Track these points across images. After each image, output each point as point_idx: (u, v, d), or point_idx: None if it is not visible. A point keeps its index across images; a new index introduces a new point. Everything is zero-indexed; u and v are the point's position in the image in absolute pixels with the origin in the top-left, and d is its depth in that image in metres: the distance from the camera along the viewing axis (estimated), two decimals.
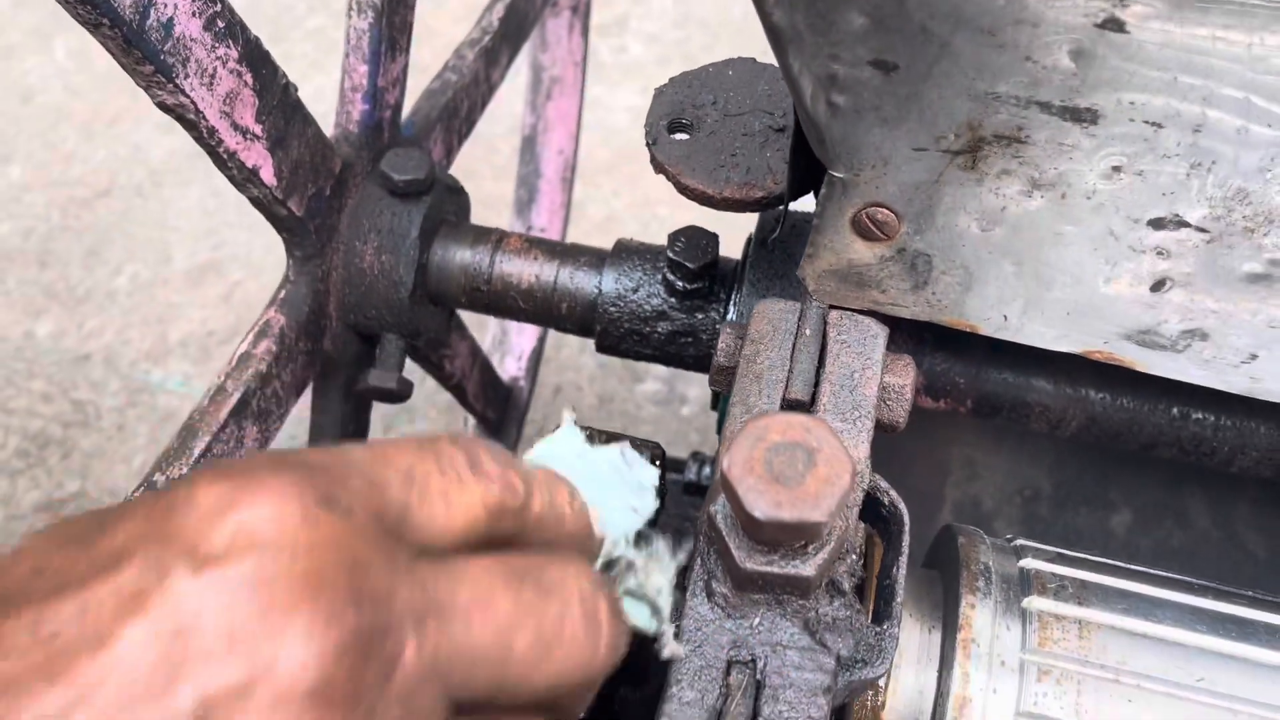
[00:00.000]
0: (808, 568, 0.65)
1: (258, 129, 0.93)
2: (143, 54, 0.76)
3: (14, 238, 2.58)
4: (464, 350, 1.62)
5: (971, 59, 0.63)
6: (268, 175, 0.96)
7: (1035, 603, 0.84)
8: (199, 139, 0.89)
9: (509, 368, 1.94)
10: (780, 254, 1.08)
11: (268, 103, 0.94)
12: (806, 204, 1.14)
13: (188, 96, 0.82)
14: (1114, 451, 1.40)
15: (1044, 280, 0.76)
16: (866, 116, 0.68)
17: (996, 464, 1.39)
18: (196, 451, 0.95)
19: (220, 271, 2.55)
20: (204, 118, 0.86)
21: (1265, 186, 0.66)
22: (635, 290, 1.12)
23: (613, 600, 0.54)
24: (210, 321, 2.46)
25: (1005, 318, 0.79)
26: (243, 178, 0.94)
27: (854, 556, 0.71)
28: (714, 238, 1.08)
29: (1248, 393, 0.82)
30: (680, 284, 1.09)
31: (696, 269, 1.07)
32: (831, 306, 0.82)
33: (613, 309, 1.13)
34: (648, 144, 0.95)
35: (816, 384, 0.78)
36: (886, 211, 0.74)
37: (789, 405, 0.77)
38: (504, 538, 0.51)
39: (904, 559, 0.72)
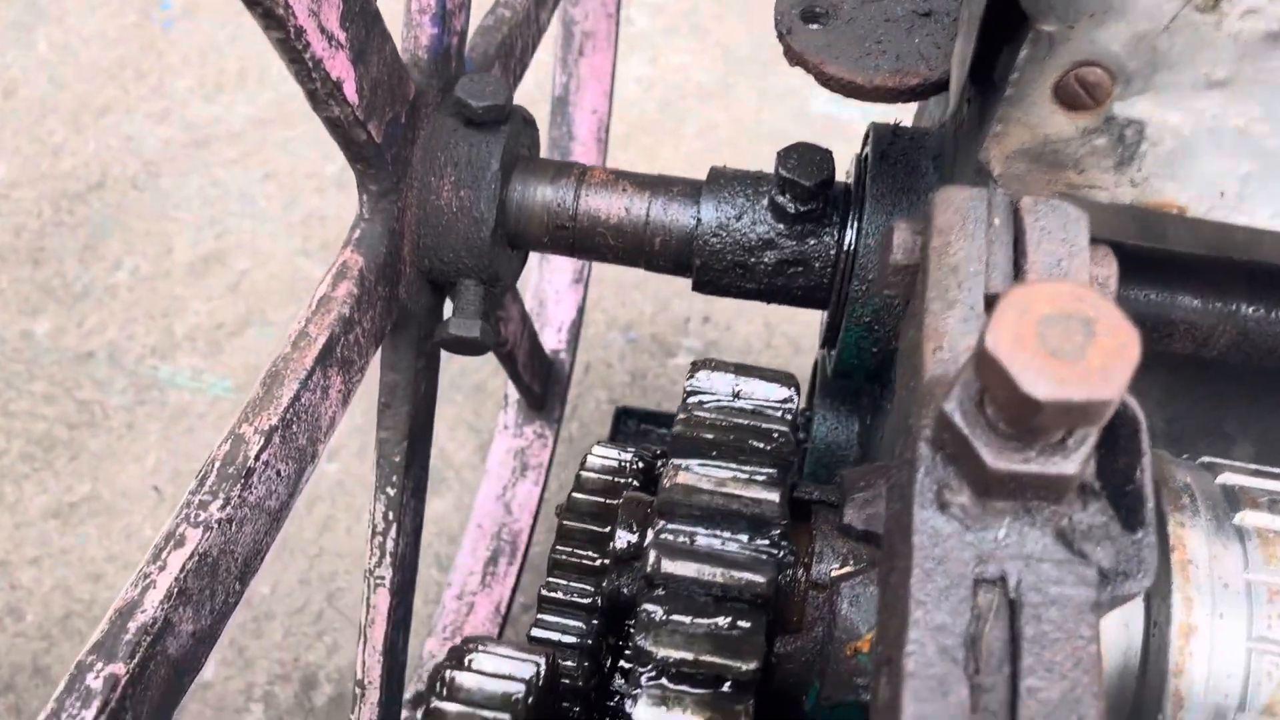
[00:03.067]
0: (1070, 464, 0.56)
1: (342, 35, 0.83)
2: None
3: (4, 235, 2.45)
4: (516, 314, 1.53)
5: None
6: (350, 92, 0.86)
7: (1250, 518, 0.76)
8: (282, 43, 0.79)
9: (549, 340, 1.84)
10: (902, 167, 0.99)
11: (350, 7, 0.84)
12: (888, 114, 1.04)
13: None
14: (1222, 380, 1.32)
15: (1277, 145, 0.67)
16: None
17: None
18: (285, 399, 0.85)
19: (225, 261, 2.43)
20: (293, 15, 0.76)
21: None
22: (738, 218, 1.03)
23: None
24: (218, 313, 2.35)
25: (1221, 194, 0.71)
26: (325, 93, 0.84)
27: (1091, 458, 0.62)
28: (828, 153, 0.99)
29: None
30: (792, 206, 1.00)
31: (812, 186, 0.97)
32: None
33: (714, 240, 1.04)
34: (780, 33, 0.86)
35: (1016, 277, 0.69)
36: (1099, 71, 0.65)
37: (990, 300, 0.68)
38: None
39: (1147, 460, 0.64)
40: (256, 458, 0.82)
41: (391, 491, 1.15)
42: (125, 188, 2.55)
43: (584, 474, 1.06)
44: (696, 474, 0.77)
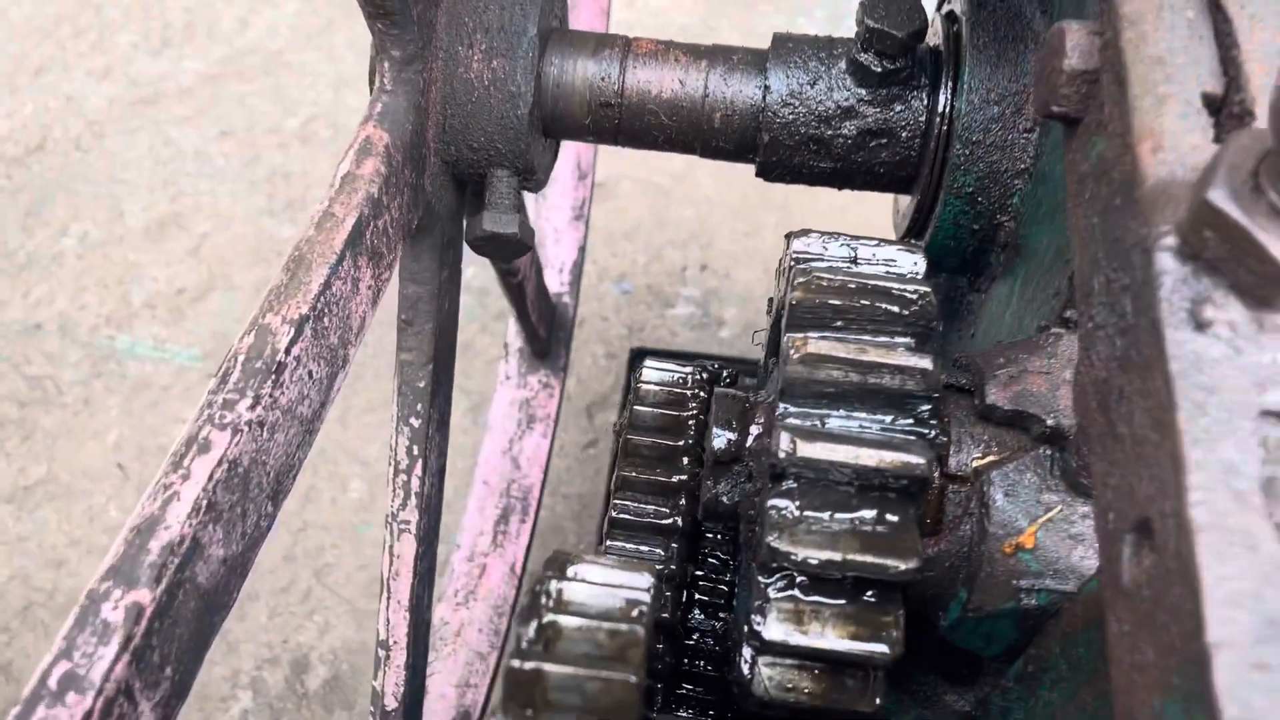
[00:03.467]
0: None
1: None
2: None
3: None
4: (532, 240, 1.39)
5: None
6: None
7: None
8: None
9: (551, 282, 1.70)
10: (1003, 14, 0.87)
11: None
12: None
13: None
14: None
15: None
16: None
17: None
18: (315, 286, 0.71)
19: (183, 224, 2.25)
20: None
21: None
22: (813, 84, 0.91)
23: None
24: (179, 279, 2.17)
25: None
26: None
27: None
28: (917, 1, 0.87)
29: None
30: (878, 64, 0.87)
31: (905, 37, 0.85)
32: None
33: (785, 111, 0.91)
34: None
35: (1226, 73, 0.58)
36: None
37: (1209, 99, 0.56)
38: None
39: None
40: (287, 351, 0.68)
41: (416, 423, 1.01)
42: (68, 150, 2.35)
43: (644, 386, 0.93)
44: (827, 344, 0.64)
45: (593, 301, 2.18)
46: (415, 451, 1.02)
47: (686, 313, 2.19)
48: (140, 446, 1.96)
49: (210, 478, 0.60)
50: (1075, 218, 0.61)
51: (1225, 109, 0.57)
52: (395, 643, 1.07)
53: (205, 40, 2.54)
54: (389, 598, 1.06)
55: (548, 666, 0.50)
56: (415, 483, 1.03)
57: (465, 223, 1.00)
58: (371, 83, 0.90)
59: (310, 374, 0.71)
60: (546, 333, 1.63)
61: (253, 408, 0.64)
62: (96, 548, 1.88)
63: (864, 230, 1.24)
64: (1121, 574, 0.49)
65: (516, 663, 0.50)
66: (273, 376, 0.66)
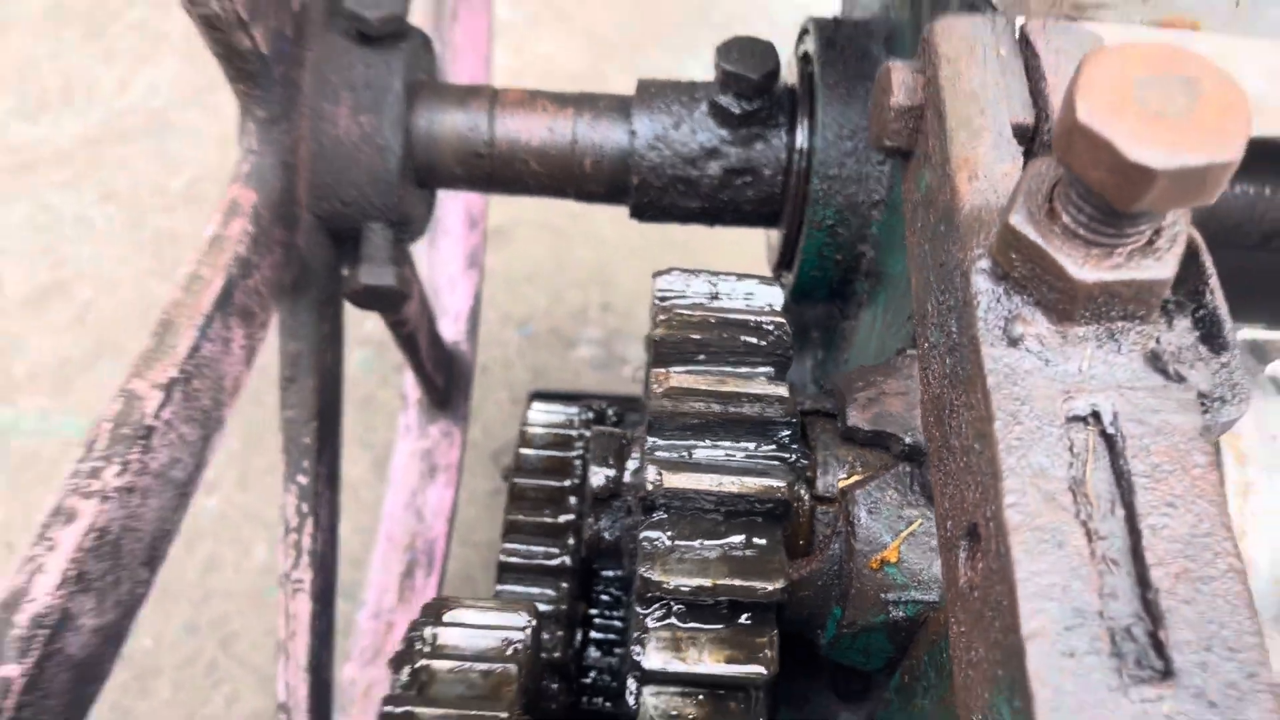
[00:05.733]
0: (1164, 267, 0.48)
1: None
2: None
3: None
4: (415, 291, 1.39)
5: None
6: None
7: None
8: None
9: (446, 331, 1.71)
10: (852, 53, 0.92)
11: None
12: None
13: None
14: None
15: None
16: None
17: None
18: (183, 349, 0.71)
19: (66, 292, 2.20)
20: None
21: None
22: (676, 126, 0.94)
23: None
24: (63, 348, 2.12)
25: (1237, 2, 0.65)
26: None
27: None
28: (770, 45, 0.91)
29: None
30: (736, 106, 0.91)
31: (759, 79, 0.89)
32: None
33: (652, 155, 0.94)
34: None
35: (1037, 104, 0.62)
36: None
37: (1019, 128, 0.60)
38: None
39: (1215, 281, 0.57)
40: (156, 415, 0.68)
41: (304, 480, 1.01)
42: None
43: (529, 430, 0.94)
44: (690, 377, 0.67)
45: (495, 348, 2.19)
46: (305, 509, 1.02)
47: (590, 354, 2.21)
48: (30, 523, 1.90)
49: (79, 548, 0.60)
50: (910, 245, 0.65)
51: (1037, 138, 0.62)
52: (295, 706, 1.06)
53: (84, 103, 2.50)
54: (287, 659, 1.05)
55: (419, 710, 0.51)
56: (307, 540, 1.03)
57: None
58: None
59: (182, 437, 0.71)
60: (444, 382, 1.64)
61: (121, 474, 0.64)
62: None
63: (757, 263, 1.28)
64: (958, 578, 0.52)
65: (389, 708, 0.51)
66: (142, 441, 0.66)
